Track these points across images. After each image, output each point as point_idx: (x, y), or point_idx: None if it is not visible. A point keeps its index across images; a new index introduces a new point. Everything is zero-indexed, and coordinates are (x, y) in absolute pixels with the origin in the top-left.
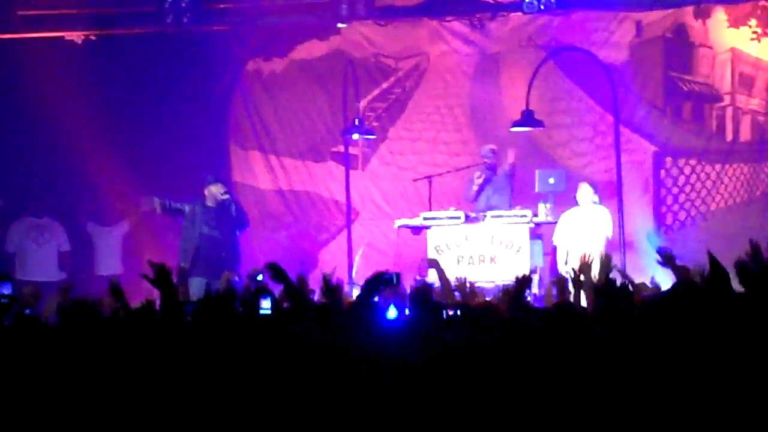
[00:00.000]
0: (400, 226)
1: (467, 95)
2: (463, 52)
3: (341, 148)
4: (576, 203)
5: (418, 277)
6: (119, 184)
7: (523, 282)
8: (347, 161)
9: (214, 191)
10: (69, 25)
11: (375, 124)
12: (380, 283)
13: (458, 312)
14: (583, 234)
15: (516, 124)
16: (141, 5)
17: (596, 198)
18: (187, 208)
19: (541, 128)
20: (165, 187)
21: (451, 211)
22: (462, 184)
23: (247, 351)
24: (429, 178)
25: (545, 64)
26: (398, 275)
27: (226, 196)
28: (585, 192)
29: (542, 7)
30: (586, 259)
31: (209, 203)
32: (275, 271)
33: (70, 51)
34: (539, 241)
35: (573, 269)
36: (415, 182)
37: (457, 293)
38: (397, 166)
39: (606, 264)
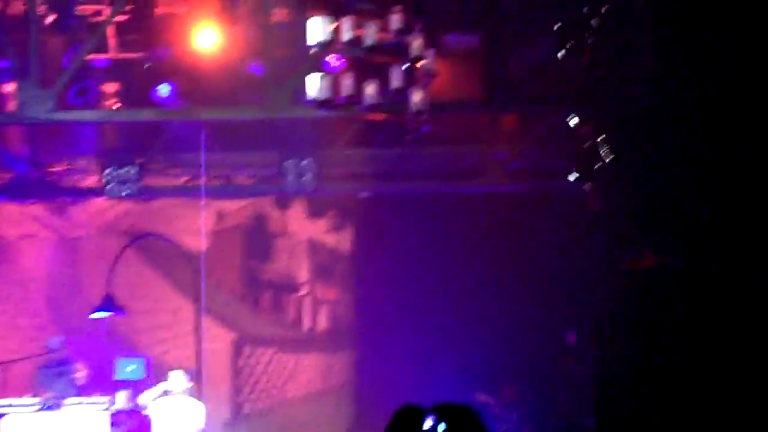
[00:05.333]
0: None
1: (45, 279)
2: (41, 236)
3: None
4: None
5: None
6: None
7: None
8: None
9: None
10: None
11: None
12: None
13: None
14: (177, 426)
15: (97, 309)
16: None
17: (189, 385)
18: None
19: (120, 314)
20: None
21: (27, 398)
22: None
23: None
24: (2, 364)
25: (126, 250)
26: None
27: None
28: (178, 380)
29: (123, 193)
30: None
31: None
32: None
33: None
34: (120, 430)
35: None
36: None
37: None
38: None
39: None
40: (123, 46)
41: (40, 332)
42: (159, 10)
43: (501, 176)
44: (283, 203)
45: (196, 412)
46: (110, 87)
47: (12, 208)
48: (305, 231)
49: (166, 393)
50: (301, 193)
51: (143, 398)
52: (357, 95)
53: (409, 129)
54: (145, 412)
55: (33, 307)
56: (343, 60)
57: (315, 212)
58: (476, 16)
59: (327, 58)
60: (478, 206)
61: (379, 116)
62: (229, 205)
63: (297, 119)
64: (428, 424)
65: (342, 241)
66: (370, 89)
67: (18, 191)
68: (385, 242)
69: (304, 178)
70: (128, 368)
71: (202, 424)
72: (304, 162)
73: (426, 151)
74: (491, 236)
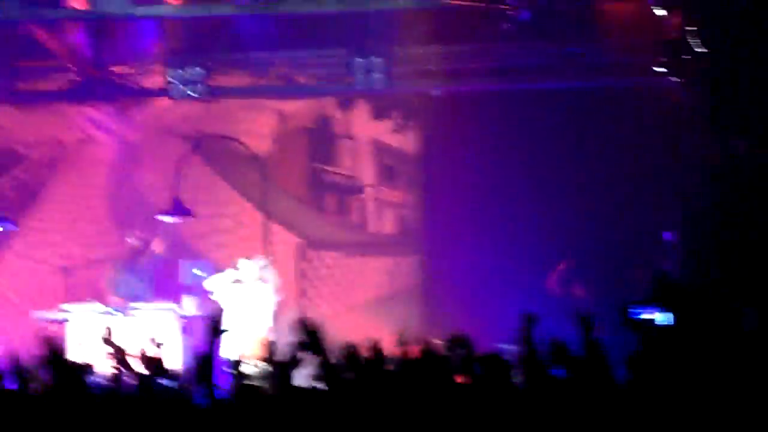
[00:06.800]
0: (39, 319)
1: (105, 185)
2: (100, 140)
3: None
4: None
5: None
6: None
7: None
8: None
9: None
10: None
11: (5, 214)
12: None
13: None
14: (249, 312)
15: (164, 213)
16: None
17: (262, 271)
18: None
19: (188, 217)
20: None
21: (93, 304)
22: (101, 275)
23: None
24: (65, 268)
25: (189, 153)
26: None
27: None
28: (249, 268)
29: (190, 92)
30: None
31: None
32: None
33: None
34: (190, 338)
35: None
36: (50, 274)
37: None
38: (31, 258)
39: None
40: None
41: (101, 237)
42: None
43: (581, 72)
44: (347, 103)
45: (268, 298)
46: None
47: (71, 111)
48: (370, 132)
49: (236, 281)
50: (371, 92)
51: (211, 283)
52: None
53: (507, 17)
54: (213, 299)
55: (93, 212)
56: None
57: (380, 112)
58: None
59: None
60: (555, 104)
61: (471, 5)
62: (292, 106)
63: (365, 13)
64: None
65: (408, 142)
66: None
67: (80, 93)
68: (453, 143)
69: (373, 76)
70: (194, 271)
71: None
72: (374, 59)
73: (502, 47)
74: (569, 136)
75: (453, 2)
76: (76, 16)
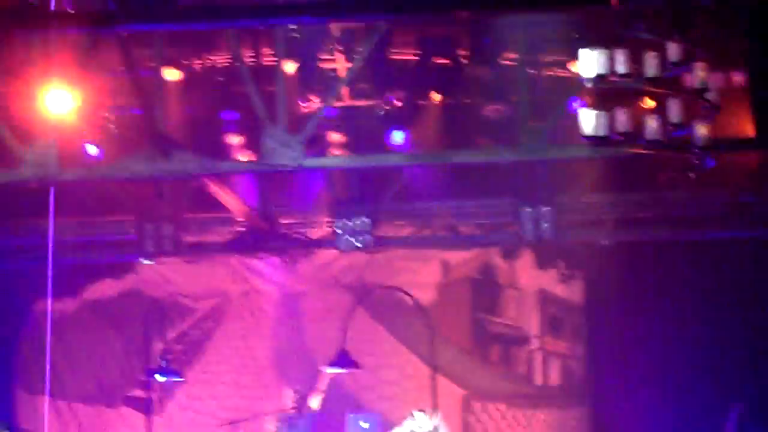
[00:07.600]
0: None
1: (269, 337)
2: (265, 292)
3: (136, 392)
4: None
5: None
6: None
7: None
8: (147, 405)
9: None
10: None
11: (172, 366)
12: None
13: None
14: None
15: (332, 364)
16: None
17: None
18: None
19: (354, 369)
20: None
21: None
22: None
23: None
24: (233, 423)
25: (354, 304)
26: None
27: None
28: (424, 420)
29: (356, 243)
30: None
31: None
32: None
33: None
34: None
35: None
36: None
37: None
38: (195, 411)
39: None
40: (354, 93)
41: (265, 389)
42: (394, 56)
43: (750, 222)
44: (511, 253)
45: None
46: (335, 136)
47: (236, 263)
48: (535, 282)
49: None
50: (539, 241)
51: None
52: (633, 131)
53: (693, 166)
54: None
55: (258, 364)
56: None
57: (544, 262)
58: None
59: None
60: (722, 254)
61: (653, 154)
62: (456, 256)
63: (534, 162)
64: None
65: (574, 291)
66: (653, 123)
67: (246, 245)
68: (619, 292)
69: (541, 226)
70: (361, 424)
71: None
72: (542, 208)
73: (670, 196)
74: (737, 286)
75: (633, 151)
76: (249, 169)
